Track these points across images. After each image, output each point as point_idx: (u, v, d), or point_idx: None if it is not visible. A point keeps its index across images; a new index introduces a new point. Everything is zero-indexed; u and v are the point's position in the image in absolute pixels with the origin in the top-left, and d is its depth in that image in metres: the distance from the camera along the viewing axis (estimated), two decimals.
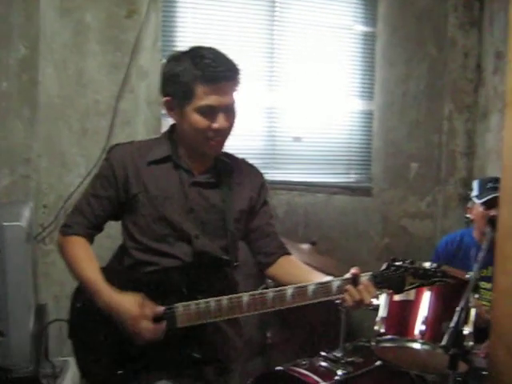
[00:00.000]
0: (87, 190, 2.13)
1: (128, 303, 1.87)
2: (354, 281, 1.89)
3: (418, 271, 1.92)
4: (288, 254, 2.20)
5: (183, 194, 2.04)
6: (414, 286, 1.93)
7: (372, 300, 1.92)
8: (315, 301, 1.90)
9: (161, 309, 1.88)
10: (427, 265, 1.95)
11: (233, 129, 2.05)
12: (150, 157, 2.06)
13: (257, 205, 2.17)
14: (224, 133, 2.01)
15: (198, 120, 1.95)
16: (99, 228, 2.13)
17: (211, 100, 1.94)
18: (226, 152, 2.18)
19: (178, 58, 2.01)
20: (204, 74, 1.92)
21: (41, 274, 3.25)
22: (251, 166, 2.25)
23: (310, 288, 1.88)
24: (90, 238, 2.11)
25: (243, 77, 2.04)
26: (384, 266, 1.94)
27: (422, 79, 4.10)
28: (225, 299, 1.88)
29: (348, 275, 1.92)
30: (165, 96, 2.03)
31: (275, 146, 3.81)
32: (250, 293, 1.89)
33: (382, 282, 1.92)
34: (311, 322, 3.74)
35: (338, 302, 2.03)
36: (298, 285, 1.90)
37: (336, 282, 1.90)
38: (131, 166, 2.04)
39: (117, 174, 2.04)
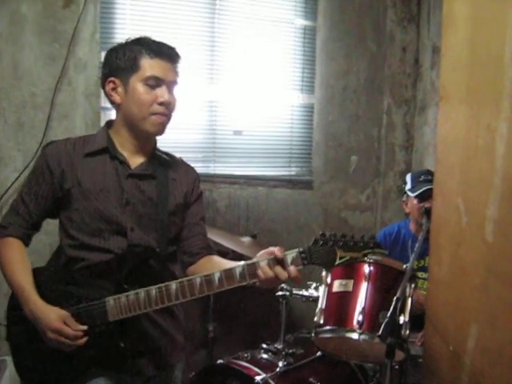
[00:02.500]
0: (22, 189, 2.09)
1: (52, 315, 1.85)
2: (280, 261, 1.81)
3: (348, 243, 1.81)
4: (212, 254, 2.17)
5: (119, 186, 2.02)
6: (345, 259, 1.81)
7: (286, 276, 1.80)
8: (244, 283, 1.83)
9: (82, 328, 1.86)
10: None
11: (174, 111, 2.05)
12: (86, 149, 2.04)
13: (191, 200, 2.16)
14: (168, 109, 2.00)
15: (144, 91, 1.96)
16: (36, 227, 2.10)
17: (157, 71, 1.96)
18: (165, 151, 2.17)
19: (120, 44, 2.04)
20: (149, 46, 1.97)
21: None
22: (187, 165, 2.24)
23: (237, 270, 1.82)
24: (27, 238, 2.08)
25: (183, 69, 2.06)
26: (312, 242, 1.83)
27: (361, 73, 4.15)
28: (153, 288, 1.85)
29: (272, 254, 1.81)
30: (107, 79, 2.02)
31: (216, 139, 3.80)
32: (178, 280, 1.86)
33: (310, 258, 1.81)
34: (253, 315, 3.76)
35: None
36: (225, 268, 1.84)
37: (263, 262, 1.81)
38: (66, 161, 2.01)
39: (51, 169, 2.01)
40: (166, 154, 2.17)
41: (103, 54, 3.33)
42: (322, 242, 1.82)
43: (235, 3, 3.80)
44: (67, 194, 2.00)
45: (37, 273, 1.98)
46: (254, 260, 1.84)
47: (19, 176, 3.20)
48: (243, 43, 3.83)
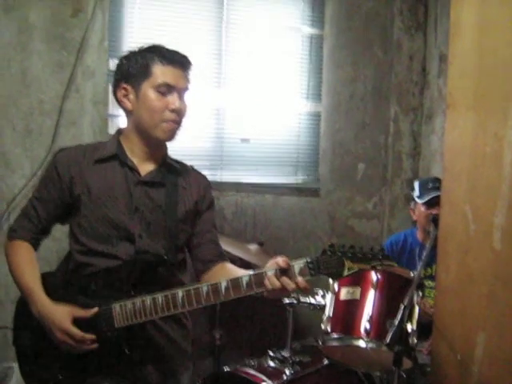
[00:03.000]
0: (33, 194, 2.11)
1: (59, 314, 1.87)
2: (286, 271, 1.79)
3: (357, 255, 1.79)
4: (225, 261, 2.16)
5: (128, 193, 2.02)
6: (353, 271, 1.79)
7: (293, 286, 1.78)
8: (251, 292, 1.82)
9: (94, 310, 1.88)
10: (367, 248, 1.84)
11: (184, 118, 2.05)
12: (96, 156, 2.05)
13: (202, 207, 2.16)
14: (179, 115, 2.01)
15: (155, 98, 1.97)
16: (45, 232, 2.11)
17: (168, 78, 1.97)
18: (176, 159, 2.18)
19: (132, 51, 2.05)
20: (162, 54, 1.98)
21: None
22: (198, 173, 2.24)
23: (244, 279, 1.81)
24: (36, 243, 2.10)
25: (193, 77, 2.07)
26: (320, 252, 1.81)
27: (368, 81, 4.15)
28: (160, 296, 1.86)
29: (279, 265, 1.79)
30: (119, 85, 2.03)
31: (223, 147, 3.81)
32: (185, 288, 1.85)
33: (317, 269, 1.79)
34: (259, 322, 3.76)
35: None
36: (232, 277, 1.84)
37: (270, 272, 1.80)
38: (75, 167, 2.03)
39: (61, 175, 2.02)
40: (177, 161, 2.17)
41: (111, 62, 3.42)
42: (330, 253, 1.81)
43: (243, 11, 3.81)
44: (77, 200, 2.01)
45: (45, 277, 1.99)
46: (261, 270, 1.83)
47: (27, 183, 3.21)
48: (250, 51, 3.83)
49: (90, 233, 1.99)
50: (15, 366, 2.93)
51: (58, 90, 3.32)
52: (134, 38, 3.49)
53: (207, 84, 3.71)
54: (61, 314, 1.86)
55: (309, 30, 4.01)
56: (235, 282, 1.82)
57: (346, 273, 1.81)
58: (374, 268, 1.84)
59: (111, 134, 3.45)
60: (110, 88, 3.35)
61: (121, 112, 3.22)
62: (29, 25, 3.26)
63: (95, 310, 1.89)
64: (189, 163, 2.25)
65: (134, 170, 2.04)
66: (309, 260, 1.80)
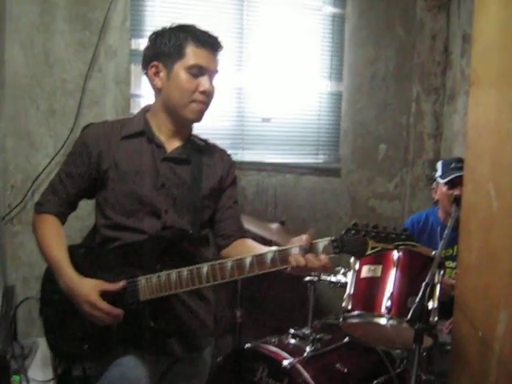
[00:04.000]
0: (61, 168, 2.14)
1: (86, 287, 1.89)
2: (311, 249, 1.82)
3: (380, 234, 1.81)
4: (245, 237, 2.19)
5: (154, 169, 2.05)
6: (376, 249, 1.82)
7: (317, 264, 1.80)
8: (275, 269, 1.84)
9: (121, 284, 1.91)
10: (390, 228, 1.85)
11: (212, 100, 2.09)
12: (124, 132, 2.08)
13: (225, 184, 2.19)
14: (208, 97, 2.05)
15: (187, 79, 2.00)
16: (72, 206, 2.14)
17: (201, 60, 2.00)
18: (200, 137, 2.21)
19: (165, 28, 2.07)
20: (196, 35, 2.01)
21: (9, 256, 3.23)
22: (223, 151, 2.27)
23: (269, 255, 1.84)
24: (63, 217, 2.13)
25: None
26: (344, 231, 1.83)
27: (390, 61, 4.13)
28: (185, 270, 1.88)
29: (304, 242, 1.82)
30: (150, 63, 2.05)
31: (244, 126, 3.81)
32: (210, 263, 1.88)
33: (341, 247, 1.81)
34: (281, 301, 3.78)
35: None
36: (256, 253, 1.87)
37: (295, 249, 1.82)
38: (104, 142, 2.05)
39: (90, 150, 2.05)
40: (202, 139, 2.20)
41: (133, 42, 3.42)
42: (354, 232, 1.82)
43: None
44: (104, 174, 2.04)
45: (72, 250, 2.02)
46: (286, 246, 1.85)
47: (50, 161, 3.24)
48: (272, 30, 3.82)
49: (117, 207, 2.03)
50: (40, 340, 2.98)
51: (81, 70, 3.33)
52: (155, 18, 3.49)
53: (228, 63, 3.70)
54: (88, 287, 1.89)
55: (331, 10, 3.98)
56: (260, 258, 1.85)
57: (369, 252, 1.82)
58: (396, 247, 1.84)
59: (133, 114, 3.48)
60: (132, 68, 3.43)
61: (143, 92, 3.27)
62: (51, 5, 3.26)
63: (123, 283, 1.92)
64: None
65: (160, 146, 2.07)
66: (333, 238, 1.82)
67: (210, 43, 2.03)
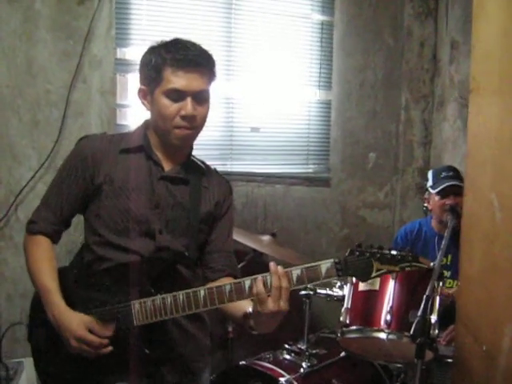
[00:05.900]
0: (52, 183, 2.04)
1: (75, 322, 1.80)
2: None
3: (385, 256, 1.73)
4: (235, 276, 2.05)
5: (151, 187, 1.97)
6: (381, 272, 1.74)
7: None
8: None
9: (108, 334, 1.81)
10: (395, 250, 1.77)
11: (204, 120, 1.98)
12: (122, 145, 2.00)
13: (221, 211, 2.09)
14: (192, 122, 1.91)
15: (166, 104, 1.88)
16: (66, 223, 2.05)
17: (178, 83, 1.87)
18: (201, 159, 2.12)
19: (154, 46, 1.96)
20: (173, 56, 1.87)
21: None
22: (222, 176, 2.17)
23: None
24: (56, 236, 2.04)
25: (216, 69, 2.01)
26: (347, 252, 1.75)
27: (379, 69, 4.09)
28: (181, 294, 1.79)
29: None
30: (140, 86, 1.97)
31: (233, 136, 3.75)
32: (207, 286, 1.80)
33: (345, 270, 1.73)
34: None
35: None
36: (262, 275, 1.76)
37: (296, 271, 1.74)
38: (99, 156, 1.96)
39: (85, 163, 1.96)
40: (203, 162, 2.12)
41: (119, 51, 3.34)
42: (358, 253, 1.74)
43: None
44: (98, 189, 1.95)
45: (61, 273, 1.93)
46: (287, 269, 1.77)
47: (34, 175, 3.15)
48: (260, 39, 3.76)
49: (109, 224, 1.94)
50: (25, 361, 2.88)
51: (65, 80, 3.24)
52: (141, 27, 3.41)
53: (216, 73, 3.63)
54: (77, 323, 1.79)
55: (319, 17, 3.94)
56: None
57: (373, 274, 1.75)
58: (402, 269, 1.75)
59: (120, 124, 3.40)
60: (118, 77, 3.35)
61: (129, 102, 3.20)
62: (34, 13, 3.18)
63: (113, 327, 1.81)
64: (198, 153, 2.18)
65: (158, 164, 1.98)
66: (336, 260, 1.74)
67: (190, 62, 1.89)
